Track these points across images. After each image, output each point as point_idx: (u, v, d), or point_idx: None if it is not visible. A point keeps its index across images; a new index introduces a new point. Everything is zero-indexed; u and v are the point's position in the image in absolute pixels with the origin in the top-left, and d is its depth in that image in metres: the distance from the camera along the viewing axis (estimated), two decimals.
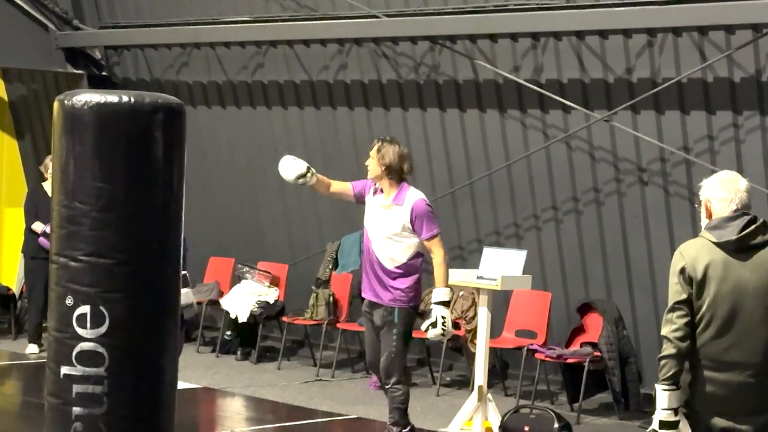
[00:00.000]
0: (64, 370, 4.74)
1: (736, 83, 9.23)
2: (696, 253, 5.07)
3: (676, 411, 5.07)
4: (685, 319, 5.03)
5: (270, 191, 12.40)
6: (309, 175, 7.73)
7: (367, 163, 7.88)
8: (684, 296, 5.04)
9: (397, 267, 7.72)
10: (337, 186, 7.98)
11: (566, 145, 10.27)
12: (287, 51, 11.85)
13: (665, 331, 5.07)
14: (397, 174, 7.76)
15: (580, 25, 9.78)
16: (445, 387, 10.66)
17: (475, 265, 9.29)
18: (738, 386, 5.04)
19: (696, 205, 5.32)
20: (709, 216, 5.16)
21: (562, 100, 10.02)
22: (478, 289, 9.17)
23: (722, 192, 5.12)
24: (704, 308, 5.03)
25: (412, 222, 7.68)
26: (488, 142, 10.74)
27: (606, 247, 10.24)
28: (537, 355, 9.88)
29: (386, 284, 7.73)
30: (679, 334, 5.02)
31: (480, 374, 8.83)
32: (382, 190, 7.84)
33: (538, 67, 10.21)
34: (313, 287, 11.56)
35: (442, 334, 7.81)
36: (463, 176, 10.94)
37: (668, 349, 5.04)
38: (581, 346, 9.83)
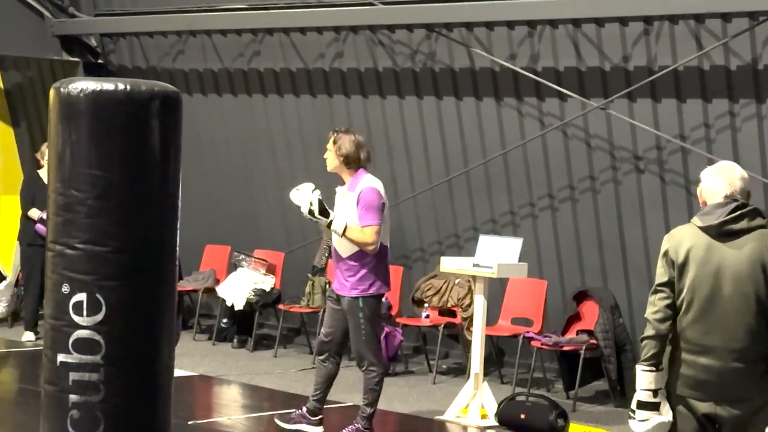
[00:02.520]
0: (61, 357, 4.73)
1: (733, 71, 9.23)
2: (681, 236, 5.15)
3: (655, 392, 5.11)
4: (666, 302, 5.11)
5: (266, 179, 12.40)
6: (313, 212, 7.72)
7: (325, 156, 7.89)
8: (666, 278, 5.12)
9: (353, 254, 7.73)
10: None
11: (562, 133, 10.27)
12: (283, 39, 11.84)
13: (647, 313, 5.15)
14: (355, 163, 7.80)
15: (576, 13, 9.78)
16: (441, 375, 10.67)
17: (472, 253, 9.31)
18: (720, 371, 5.06)
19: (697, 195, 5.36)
20: (704, 204, 5.23)
21: (559, 88, 10.02)
22: (474, 277, 9.21)
23: (715, 180, 5.19)
24: (685, 291, 5.09)
25: (356, 206, 7.69)
26: (484, 130, 10.74)
27: (602, 235, 10.25)
28: (533, 343, 9.89)
29: (345, 274, 7.76)
30: (658, 315, 5.10)
31: (476, 362, 8.85)
32: (344, 182, 7.89)
33: (534, 55, 10.20)
34: (309, 275, 11.57)
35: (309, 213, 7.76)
36: (459, 164, 10.94)
37: (648, 331, 5.12)
38: (577, 334, 9.85)
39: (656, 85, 9.60)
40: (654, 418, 5.10)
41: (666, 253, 5.13)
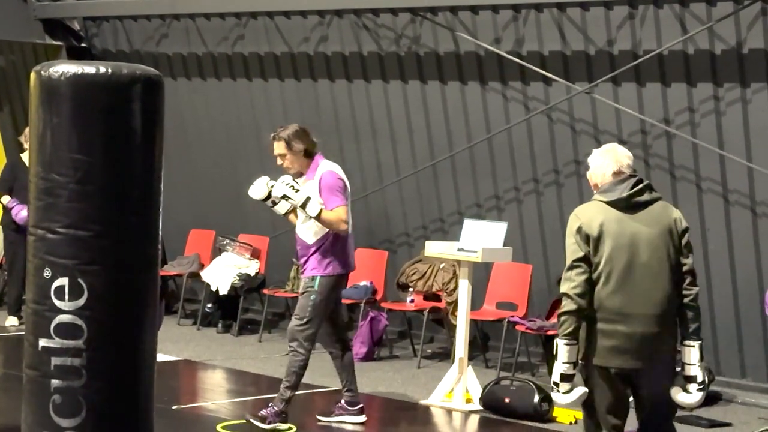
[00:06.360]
0: (43, 342, 4.72)
1: (717, 55, 9.23)
2: (591, 213, 5.44)
3: (574, 365, 5.37)
4: (583, 276, 5.34)
5: (250, 163, 12.36)
6: (276, 198, 7.63)
7: (280, 163, 7.78)
8: (582, 254, 5.35)
9: (318, 240, 7.70)
10: None
11: (547, 117, 10.27)
12: (267, 22, 11.80)
13: (565, 288, 5.37)
14: (312, 151, 7.75)
15: None
16: (426, 359, 10.68)
17: (456, 238, 9.31)
18: (641, 337, 5.35)
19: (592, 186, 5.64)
20: (595, 187, 5.56)
21: (543, 72, 10.01)
22: (458, 262, 9.21)
23: (602, 160, 5.54)
24: (602, 263, 5.35)
25: (320, 193, 7.65)
26: (469, 115, 10.73)
27: None
28: (518, 327, 9.90)
29: (309, 258, 7.74)
30: (578, 290, 5.32)
31: (461, 346, 8.86)
32: (302, 173, 7.82)
33: (519, 39, 10.18)
34: (294, 260, 11.54)
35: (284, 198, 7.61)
36: (444, 148, 10.92)
37: (569, 306, 5.34)
38: None
39: (641, 69, 9.59)
40: (577, 389, 5.39)
41: (579, 230, 5.38)
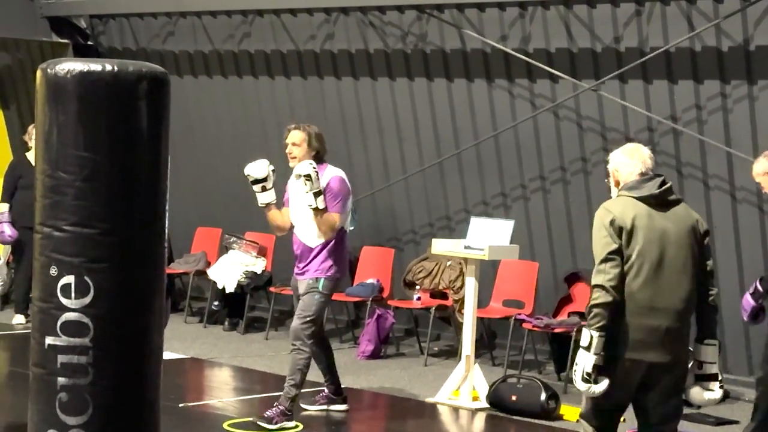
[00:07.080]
0: (49, 340, 4.72)
1: (724, 52, 9.21)
2: (621, 207, 5.49)
3: (601, 356, 5.39)
4: (617, 269, 5.38)
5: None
6: (268, 183, 7.88)
7: (289, 151, 7.92)
8: (615, 246, 5.40)
9: (321, 243, 7.86)
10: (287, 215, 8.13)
11: (554, 114, 10.25)
12: (274, 20, 11.79)
13: (599, 280, 5.38)
14: (322, 156, 7.93)
15: None
16: (432, 357, 10.67)
17: (463, 235, 9.30)
18: (664, 331, 5.41)
19: (606, 180, 5.75)
20: (617, 184, 5.63)
21: (550, 70, 9.99)
22: (465, 259, 9.20)
23: (627, 159, 5.62)
24: (634, 256, 5.40)
25: (325, 196, 7.79)
26: (476, 112, 10.72)
27: (593, 217, 10.21)
28: (524, 325, 9.89)
29: (308, 260, 7.89)
30: (613, 283, 5.36)
31: (467, 344, 8.85)
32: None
33: (525, 37, 10.17)
34: None
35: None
36: (450, 146, 10.92)
37: (603, 297, 5.36)
38: (569, 316, 9.85)
39: (648, 67, 9.57)
40: (606, 379, 5.40)
41: (612, 222, 5.43)
